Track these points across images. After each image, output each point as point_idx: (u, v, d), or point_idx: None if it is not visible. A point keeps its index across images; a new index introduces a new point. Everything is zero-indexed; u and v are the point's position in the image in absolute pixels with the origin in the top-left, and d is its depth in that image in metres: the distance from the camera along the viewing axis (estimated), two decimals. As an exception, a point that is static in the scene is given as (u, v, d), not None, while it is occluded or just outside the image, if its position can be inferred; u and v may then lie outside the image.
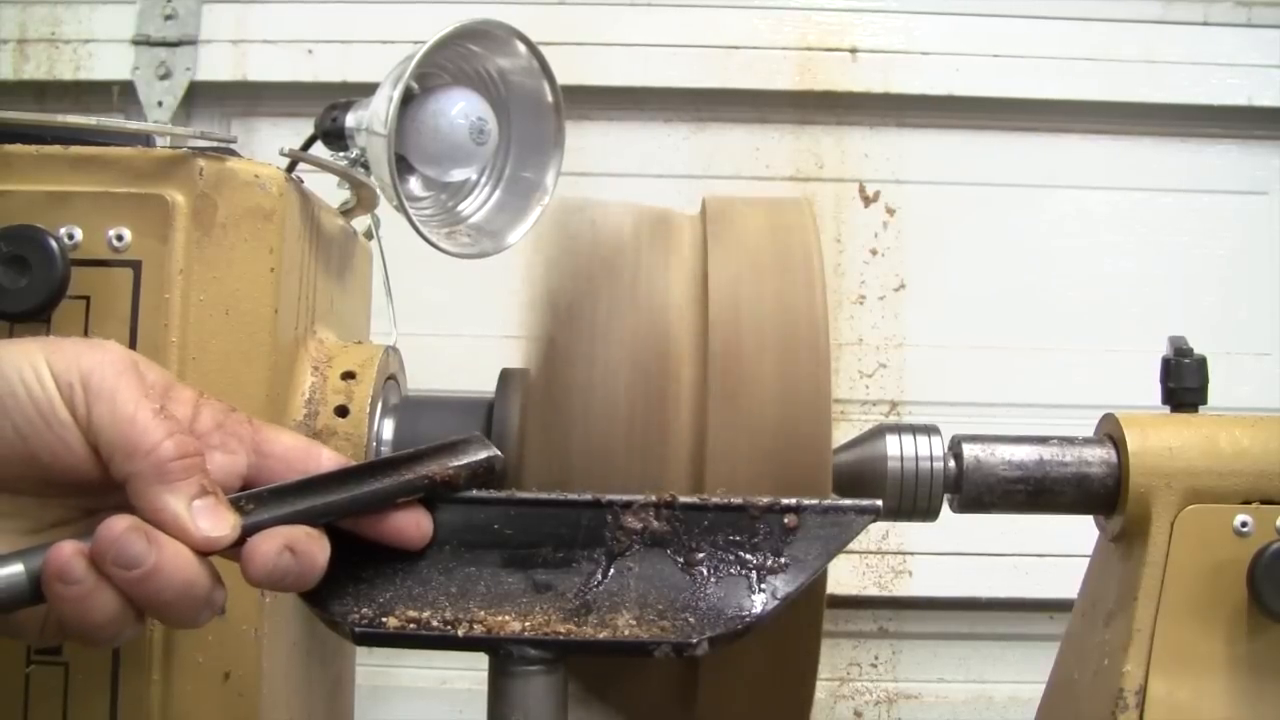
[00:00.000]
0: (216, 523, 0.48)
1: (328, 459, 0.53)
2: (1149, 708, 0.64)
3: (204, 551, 0.47)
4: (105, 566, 0.45)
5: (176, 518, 0.47)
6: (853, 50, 1.41)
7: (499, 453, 0.54)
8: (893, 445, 0.65)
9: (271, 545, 0.48)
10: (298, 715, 0.70)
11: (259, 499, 0.50)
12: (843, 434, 0.64)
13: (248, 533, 0.49)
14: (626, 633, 0.51)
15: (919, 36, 1.41)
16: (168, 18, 1.40)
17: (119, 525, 0.46)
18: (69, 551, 0.45)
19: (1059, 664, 0.76)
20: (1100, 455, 0.66)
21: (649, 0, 1.41)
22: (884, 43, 1.41)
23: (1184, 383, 0.71)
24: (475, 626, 0.51)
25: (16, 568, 0.45)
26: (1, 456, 0.47)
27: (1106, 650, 0.67)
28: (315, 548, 0.49)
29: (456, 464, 0.53)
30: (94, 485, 0.48)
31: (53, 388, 0.47)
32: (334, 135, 0.76)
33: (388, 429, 0.68)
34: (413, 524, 0.53)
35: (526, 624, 0.51)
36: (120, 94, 1.40)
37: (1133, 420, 0.67)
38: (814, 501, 0.54)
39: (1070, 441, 0.67)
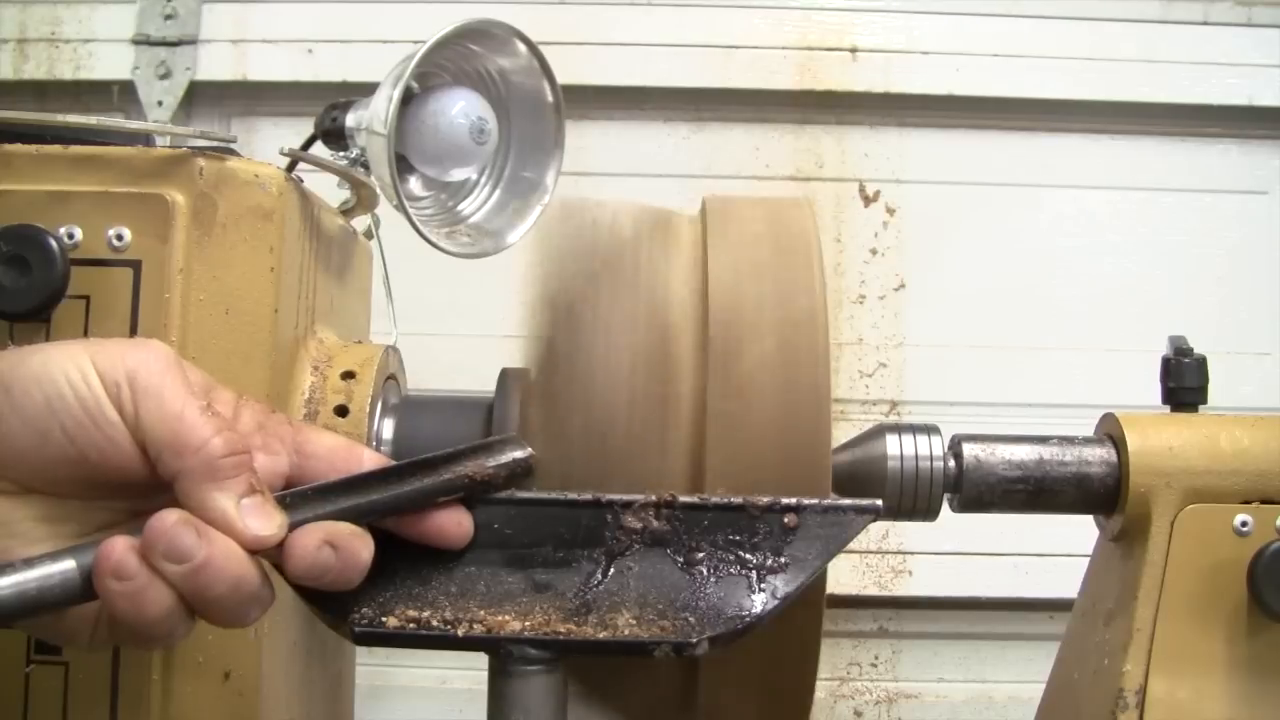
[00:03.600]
0: (265, 521, 0.47)
1: (369, 459, 0.53)
2: (1149, 708, 0.64)
3: (252, 550, 0.47)
4: (155, 560, 0.45)
5: (225, 515, 0.46)
6: (853, 50, 1.41)
7: (534, 452, 0.54)
8: (893, 445, 0.65)
9: (311, 540, 0.48)
10: (298, 715, 0.70)
11: (303, 497, 0.50)
12: (843, 434, 0.64)
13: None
14: (626, 632, 0.51)
15: (919, 36, 1.41)
16: (168, 17, 1.40)
17: (169, 518, 0.45)
18: (121, 547, 0.45)
19: (1059, 664, 0.76)
20: (1100, 455, 0.66)
21: (649, 0, 1.41)
22: (884, 42, 1.41)
23: (1184, 382, 0.71)
24: (475, 626, 0.51)
25: (68, 564, 0.45)
26: (50, 459, 0.46)
27: (1106, 650, 0.67)
28: (358, 544, 0.49)
29: (495, 463, 0.53)
30: (141, 486, 0.48)
31: (99, 387, 0.46)
32: (334, 135, 0.76)
33: (388, 429, 0.68)
34: (454, 523, 0.52)
35: (526, 624, 0.51)
36: (120, 94, 1.40)
37: (1133, 420, 0.67)
38: (814, 501, 0.54)
39: (1070, 441, 0.67)
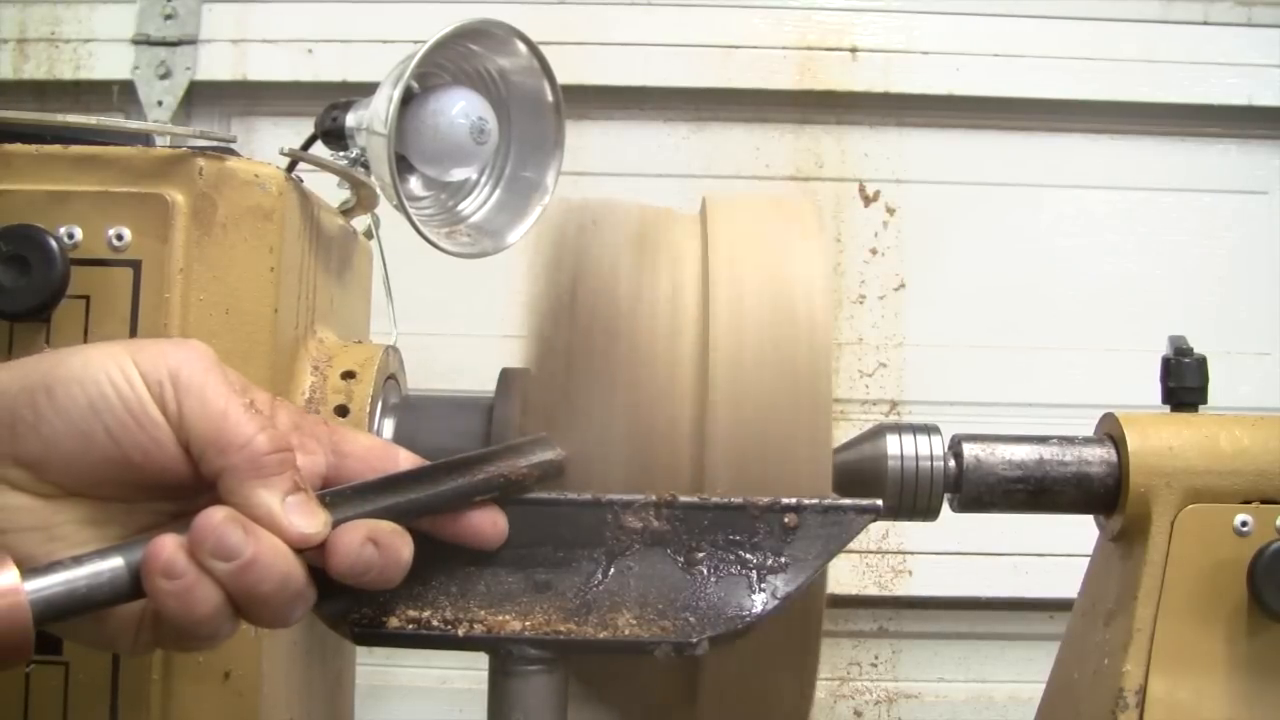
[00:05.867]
0: (310, 519, 0.47)
1: (405, 459, 0.53)
2: (1149, 707, 0.64)
3: (297, 548, 0.47)
4: (203, 558, 0.45)
5: (271, 513, 0.46)
6: (853, 50, 1.41)
7: (564, 453, 0.54)
8: (893, 445, 0.65)
9: (354, 537, 0.48)
10: (298, 715, 0.70)
11: (343, 496, 0.50)
12: (843, 434, 0.64)
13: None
14: (626, 632, 0.51)
15: (919, 36, 1.41)
16: (168, 17, 1.40)
17: (216, 515, 0.45)
18: (170, 545, 0.45)
19: (1059, 664, 0.76)
20: (1100, 455, 0.66)
21: (649, 0, 1.41)
22: (884, 42, 1.41)
23: (1184, 382, 0.71)
24: (475, 626, 0.51)
25: (117, 561, 0.45)
26: (93, 460, 0.46)
27: (1106, 650, 0.67)
28: (399, 543, 0.49)
29: (528, 463, 0.53)
30: (183, 486, 0.48)
31: (142, 387, 0.46)
32: (334, 135, 0.76)
33: (388, 428, 0.68)
34: (489, 523, 0.52)
35: (526, 623, 0.51)
36: (120, 93, 1.40)
37: (1133, 420, 0.67)
38: (814, 501, 0.54)
39: (1070, 441, 0.67)
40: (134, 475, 0.47)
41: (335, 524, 0.48)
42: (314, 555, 0.48)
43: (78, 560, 0.44)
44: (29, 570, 0.43)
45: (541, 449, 0.54)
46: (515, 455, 0.53)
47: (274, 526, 0.46)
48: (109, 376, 0.46)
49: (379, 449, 0.53)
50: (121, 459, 0.46)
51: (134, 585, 0.45)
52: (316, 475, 0.51)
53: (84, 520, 0.47)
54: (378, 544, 0.48)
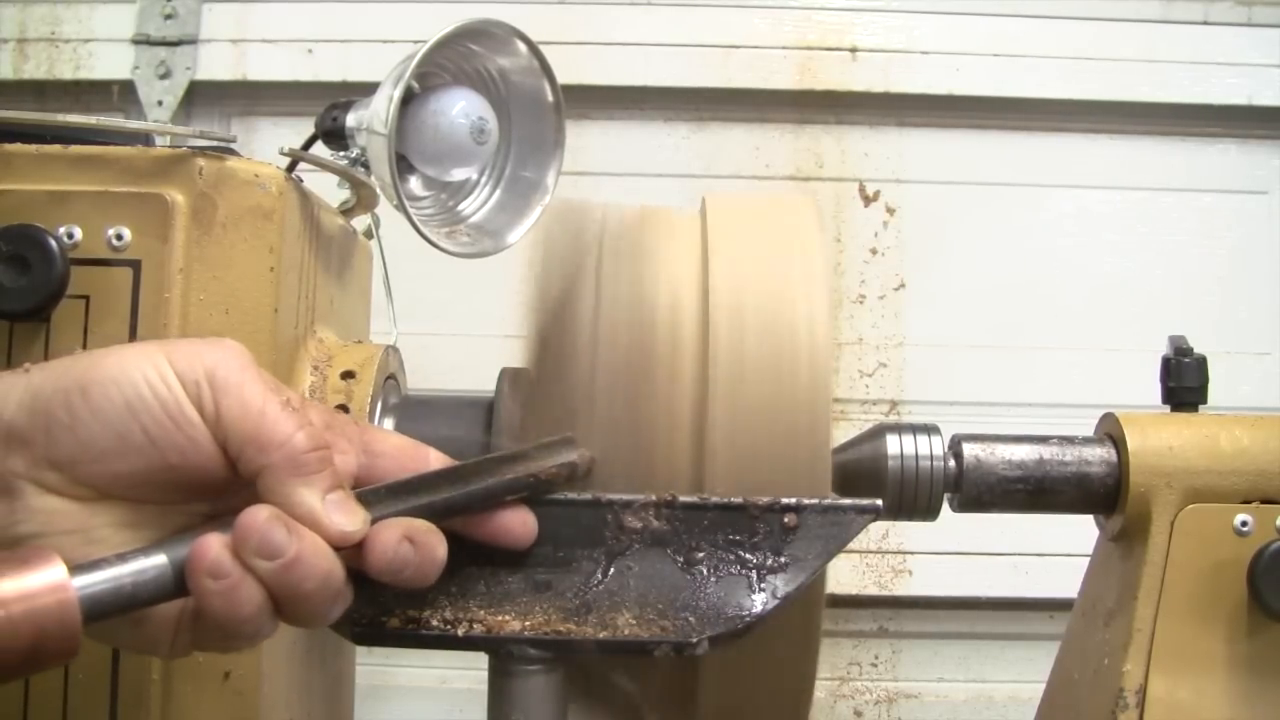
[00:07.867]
0: (350, 517, 0.47)
1: (435, 459, 0.53)
2: (1149, 707, 0.64)
3: (337, 545, 0.47)
4: (247, 557, 0.44)
5: (312, 511, 0.46)
6: (853, 50, 1.41)
7: (590, 454, 0.54)
8: (892, 444, 0.65)
9: (392, 535, 0.48)
10: (298, 715, 0.70)
11: (376, 495, 0.50)
12: (843, 434, 0.64)
13: None
14: (626, 632, 0.51)
15: (919, 36, 1.41)
16: (168, 17, 1.40)
17: (261, 514, 0.45)
18: (216, 545, 0.44)
19: (1059, 664, 0.77)
20: (1100, 454, 0.66)
21: (649, 0, 1.41)
22: (884, 42, 1.42)
23: (1184, 382, 0.71)
24: (475, 626, 0.51)
25: (160, 559, 0.44)
26: (130, 461, 0.46)
27: (1106, 650, 0.68)
28: (434, 540, 0.49)
29: (557, 463, 0.53)
30: (218, 486, 0.48)
31: (179, 387, 0.46)
32: (334, 135, 0.76)
33: (387, 428, 0.68)
34: (519, 522, 0.52)
35: (526, 623, 0.51)
36: (120, 93, 1.40)
37: (1133, 419, 0.67)
38: (814, 501, 0.54)
39: (1070, 441, 0.67)
40: (170, 476, 0.47)
41: (371, 522, 0.48)
42: (350, 554, 0.48)
43: (121, 557, 0.44)
44: (75, 567, 0.43)
45: (569, 449, 0.54)
46: (544, 455, 0.53)
47: (315, 525, 0.46)
48: (145, 377, 0.46)
49: (410, 449, 0.53)
50: (158, 459, 0.46)
51: (178, 584, 0.45)
52: (348, 474, 0.51)
53: (121, 523, 0.47)
54: (414, 542, 0.48)
